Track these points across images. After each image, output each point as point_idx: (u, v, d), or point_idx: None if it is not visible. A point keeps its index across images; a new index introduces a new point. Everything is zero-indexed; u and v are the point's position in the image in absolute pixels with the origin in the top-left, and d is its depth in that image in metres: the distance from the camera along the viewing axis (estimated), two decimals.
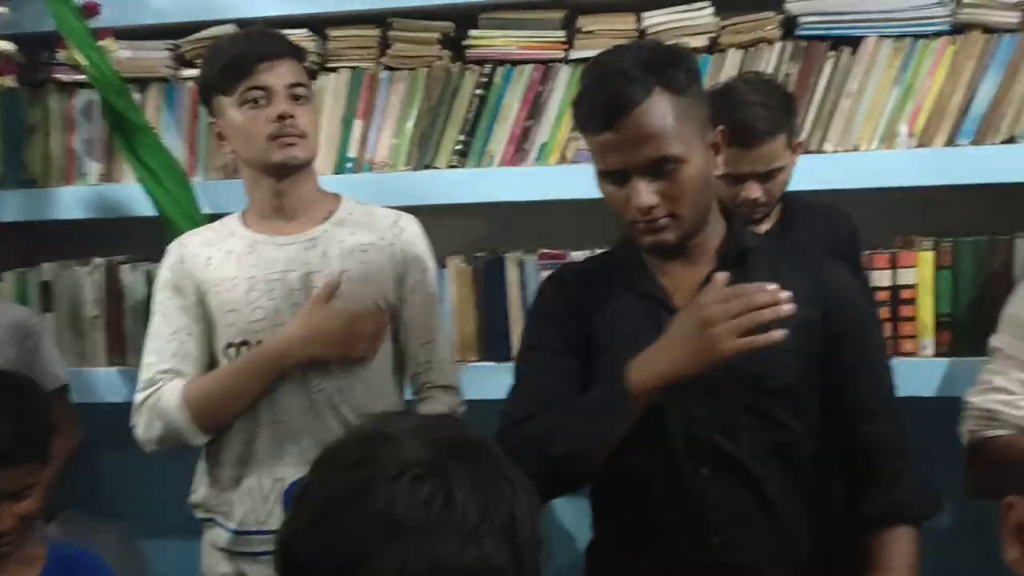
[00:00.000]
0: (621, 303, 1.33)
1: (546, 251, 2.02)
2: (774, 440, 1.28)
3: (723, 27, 1.94)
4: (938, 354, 1.88)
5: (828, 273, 1.34)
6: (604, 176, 1.26)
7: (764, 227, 1.73)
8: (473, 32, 2.03)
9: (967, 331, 1.87)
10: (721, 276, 1.20)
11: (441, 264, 2.05)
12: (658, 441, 1.28)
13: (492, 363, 2.04)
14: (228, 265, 1.59)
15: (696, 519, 1.27)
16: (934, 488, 1.37)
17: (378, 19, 2.06)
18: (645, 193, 1.22)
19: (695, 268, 1.31)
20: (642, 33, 1.96)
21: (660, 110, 1.20)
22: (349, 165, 2.08)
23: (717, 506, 1.27)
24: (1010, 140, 1.84)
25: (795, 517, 1.30)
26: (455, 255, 2.07)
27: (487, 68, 2.02)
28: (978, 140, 1.86)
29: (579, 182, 1.94)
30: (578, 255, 1.96)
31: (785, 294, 1.15)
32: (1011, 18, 1.82)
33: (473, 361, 2.05)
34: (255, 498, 1.56)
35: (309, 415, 1.55)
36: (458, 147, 2.04)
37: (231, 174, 2.10)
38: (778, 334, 1.15)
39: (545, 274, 1.97)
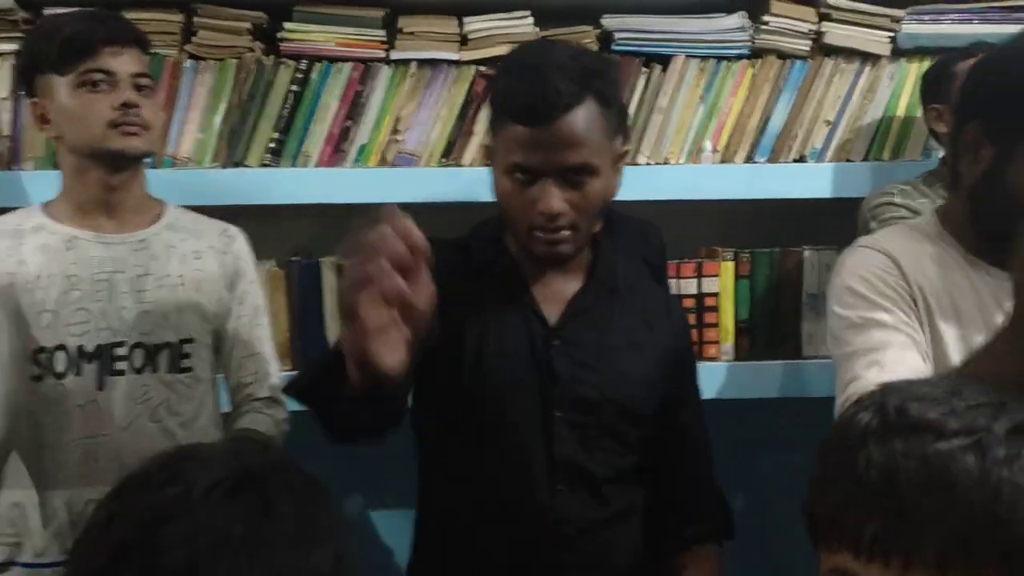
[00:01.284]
0: (490, 305, 1.24)
1: None
2: (626, 463, 1.26)
3: (543, 37, 1.90)
4: (737, 358, 1.94)
5: (669, 298, 1.36)
6: (514, 171, 1.17)
7: None
8: (288, 25, 1.87)
9: (762, 336, 1.94)
10: None
11: None
12: (518, 454, 1.21)
13: None
14: (38, 261, 1.38)
15: (547, 537, 1.21)
16: (731, 513, 1.40)
17: (181, 4, 1.85)
18: (556, 198, 1.15)
19: (568, 282, 1.27)
20: (464, 38, 1.88)
21: (591, 117, 1.15)
22: (148, 160, 1.84)
23: (570, 523, 1.21)
24: (800, 159, 1.93)
25: (639, 534, 1.29)
26: (267, 259, 1.90)
27: (303, 64, 1.87)
28: (773, 158, 1.93)
29: (400, 186, 1.85)
30: None
31: None
32: (803, 46, 1.90)
33: (286, 370, 1.89)
34: (61, 523, 1.35)
35: (132, 428, 1.37)
36: (271, 145, 1.87)
37: None
38: None
39: None
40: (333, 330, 1.88)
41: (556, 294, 1.26)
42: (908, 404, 0.63)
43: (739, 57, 1.92)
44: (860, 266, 1.26)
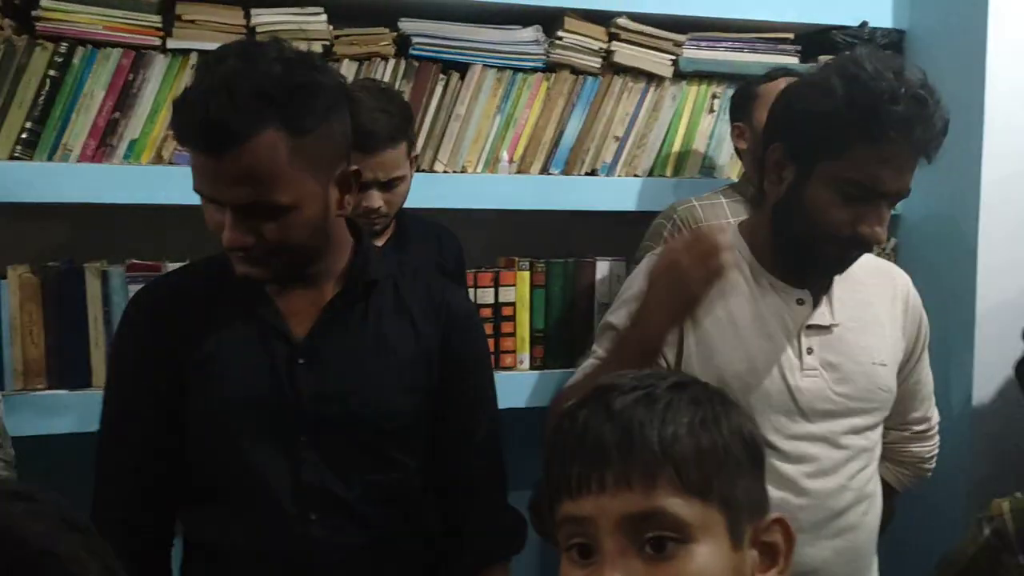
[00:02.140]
0: (229, 325, 1.11)
1: (136, 262, 1.69)
2: (387, 480, 1.15)
3: (337, 36, 1.79)
4: (532, 367, 1.91)
5: (448, 298, 1.22)
6: (198, 191, 1.03)
7: (379, 242, 1.62)
8: (45, 3, 1.63)
9: (556, 345, 1.93)
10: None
11: (0, 274, 1.62)
12: (262, 486, 1.09)
13: (65, 391, 1.65)
14: None
15: (303, 569, 1.10)
16: (524, 522, 1.33)
17: None
18: (237, 233, 1.01)
19: (317, 291, 1.13)
20: (251, 31, 1.73)
21: (269, 152, 0.98)
22: None
23: (326, 553, 1.10)
24: (592, 172, 1.94)
25: (408, 557, 1.19)
26: (19, 264, 1.65)
27: (63, 47, 1.63)
28: (567, 170, 1.93)
29: (176, 186, 1.65)
30: (175, 267, 1.66)
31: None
32: (594, 63, 1.92)
33: (41, 389, 1.64)
34: None
35: None
36: (24, 136, 1.62)
37: None
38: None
39: (135, 288, 1.65)
40: (98, 344, 1.65)
41: (307, 306, 1.12)
42: (605, 380, 0.77)
43: (534, 70, 1.90)
44: (641, 282, 1.26)
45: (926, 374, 1.44)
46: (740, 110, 1.83)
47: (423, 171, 1.83)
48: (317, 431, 1.09)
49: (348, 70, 1.78)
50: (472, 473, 1.24)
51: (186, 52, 1.70)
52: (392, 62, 1.81)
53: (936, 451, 1.53)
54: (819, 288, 1.29)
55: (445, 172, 1.85)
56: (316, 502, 1.10)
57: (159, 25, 1.69)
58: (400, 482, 1.16)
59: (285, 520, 1.09)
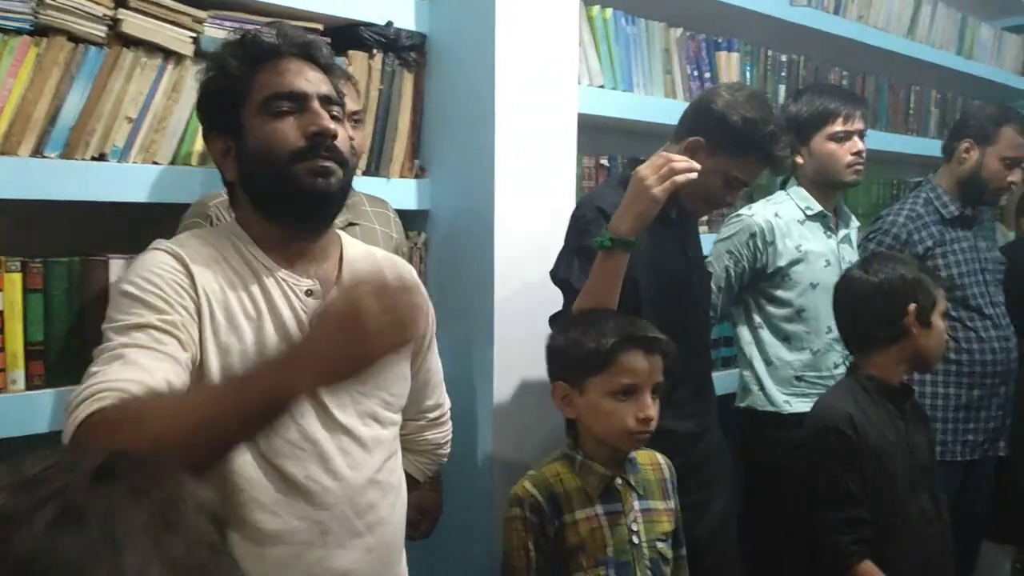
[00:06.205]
0: None
1: None
2: None
3: None
4: (31, 387, 1.53)
5: None
6: None
7: None
8: None
9: (62, 359, 1.57)
10: None
11: None
12: None
13: None
14: None
15: None
16: None
17: None
18: None
19: None
20: None
21: None
22: None
23: None
24: (101, 157, 1.61)
25: None
26: None
27: None
28: (68, 154, 1.56)
29: None
30: None
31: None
32: (97, 31, 1.58)
33: None
34: None
35: None
36: None
37: None
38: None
39: None
40: None
41: None
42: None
43: (19, 32, 1.51)
44: (146, 266, 1.15)
45: (435, 362, 1.47)
46: None
47: None
48: None
49: None
50: None
51: None
52: None
53: (450, 436, 1.55)
54: (326, 279, 1.25)
55: None
56: None
57: None
58: None
59: None
